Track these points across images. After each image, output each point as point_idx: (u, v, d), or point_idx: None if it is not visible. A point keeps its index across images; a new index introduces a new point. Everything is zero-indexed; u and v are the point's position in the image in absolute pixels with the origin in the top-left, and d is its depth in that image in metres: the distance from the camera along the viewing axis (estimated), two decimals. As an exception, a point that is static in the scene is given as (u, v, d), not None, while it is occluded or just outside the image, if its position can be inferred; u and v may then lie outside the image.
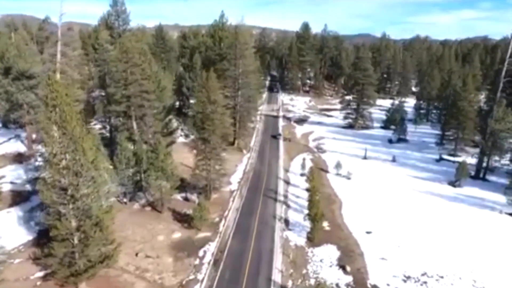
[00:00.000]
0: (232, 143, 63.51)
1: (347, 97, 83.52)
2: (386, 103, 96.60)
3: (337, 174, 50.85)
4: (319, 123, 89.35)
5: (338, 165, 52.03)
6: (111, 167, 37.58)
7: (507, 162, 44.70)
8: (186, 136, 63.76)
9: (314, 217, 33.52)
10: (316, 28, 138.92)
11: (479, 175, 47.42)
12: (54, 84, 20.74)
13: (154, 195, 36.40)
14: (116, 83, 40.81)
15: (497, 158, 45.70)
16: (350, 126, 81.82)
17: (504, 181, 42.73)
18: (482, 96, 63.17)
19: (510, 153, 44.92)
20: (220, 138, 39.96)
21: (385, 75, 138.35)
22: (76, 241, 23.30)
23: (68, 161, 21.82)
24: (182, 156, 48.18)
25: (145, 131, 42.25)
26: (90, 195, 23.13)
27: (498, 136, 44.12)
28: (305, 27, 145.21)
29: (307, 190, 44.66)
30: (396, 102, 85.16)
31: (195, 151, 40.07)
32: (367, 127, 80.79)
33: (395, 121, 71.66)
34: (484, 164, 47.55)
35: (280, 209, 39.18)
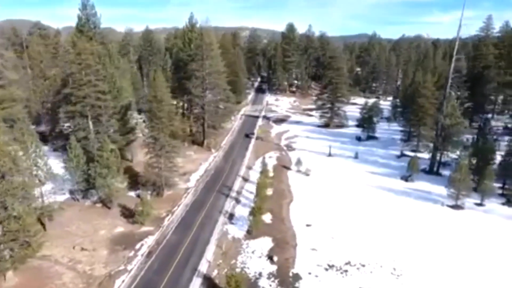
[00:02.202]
0: (202, 143, 64.88)
1: (322, 96, 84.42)
2: (370, 102, 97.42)
3: (298, 171, 51.77)
4: (297, 122, 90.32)
5: (298, 162, 52.97)
6: (62, 165, 39.03)
7: (456, 157, 45.44)
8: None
9: (253, 211, 34.54)
10: (315, 30, 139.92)
11: (433, 169, 48.16)
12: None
13: (104, 192, 37.53)
14: (72, 84, 42.15)
15: (449, 152, 46.41)
16: (326, 125, 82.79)
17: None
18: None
19: (460, 148, 45.59)
20: (170, 136, 41.06)
21: (374, 74, 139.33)
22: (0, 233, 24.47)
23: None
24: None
25: (100, 131, 43.49)
26: (10, 192, 24.07)
27: (448, 131, 44.88)
28: (290, 28, 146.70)
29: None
30: (371, 101, 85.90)
31: (146, 150, 41.13)
32: (342, 126, 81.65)
33: (367, 119, 72.46)
34: (441, 159, 48.22)
35: (229, 205, 40.19)
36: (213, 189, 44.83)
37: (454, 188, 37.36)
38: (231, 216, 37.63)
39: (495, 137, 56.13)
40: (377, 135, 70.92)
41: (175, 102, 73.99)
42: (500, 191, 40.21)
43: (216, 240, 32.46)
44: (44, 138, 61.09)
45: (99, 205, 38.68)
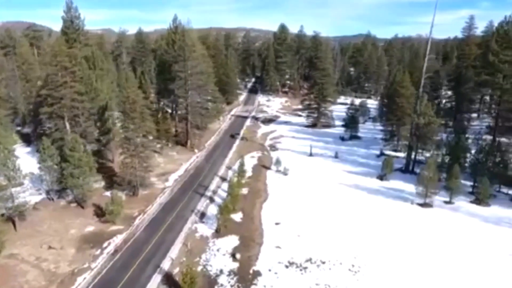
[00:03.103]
0: (186, 143, 65.43)
1: (308, 97, 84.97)
2: (357, 102, 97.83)
3: (277, 171, 52.25)
4: (286, 122, 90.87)
5: (277, 162, 53.50)
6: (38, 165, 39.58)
7: (429, 155, 45.84)
8: (144, 136, 65.64)
9: (221, 210, 35.05)
10: (315, 30, 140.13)
11: (409, 168, 48.60)
12: None
13: (78, 192, 38.07)
14: (49, 86, 42.82)
15: (423, 151, 46.81)
16: (313, 125, 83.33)
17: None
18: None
19: (433, 147, 45.98)
20: (145, 136, 41.62)
21: (366, 74, 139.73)
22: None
23: None
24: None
25: (77, 131, 44.08)
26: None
27: (422, 130, 45.32)
28: (282, 28, 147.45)
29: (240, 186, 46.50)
30: (358, 100, 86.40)
31: (120, 150, 41.64)
32: (329, 126, 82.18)
33: (350, 119, 72.92)
34: (415, 158, 48.63)
35: (202, 204, 40.70)
36: (189, 188, 45.36)
37: (423, 186, 37.76)
38: (202, 215, 38.15)
39: (477, 136, 56.42)
40: (360, 134, 71.39)
41: (161, 103, 75.16)
42: (471, 190, 40.64)
43: (183, 239, 32.99)
44: (28, 139, 61.97)
45: (73, 204, 39.23)
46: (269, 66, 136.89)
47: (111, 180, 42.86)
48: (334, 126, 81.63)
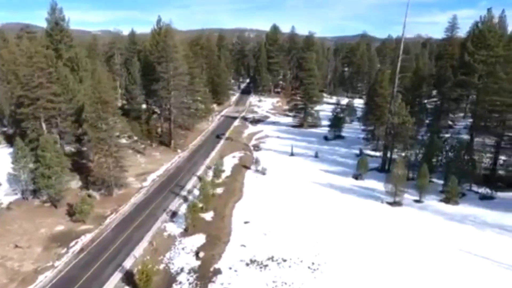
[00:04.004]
0: (169, 143, 65.81)
1: (295, 97, 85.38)
2: (344, 102, 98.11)
3: (256, 171, 52.58)
4: (274, 123, 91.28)
5: (256, 162, 53.92)
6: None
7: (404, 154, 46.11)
8: (129, 137, 66.14)
9: (189, 209, 35.41)
10: (312, 30, 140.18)
11: (384, 167, 48.87)
12: None
13: (52, 192, 38.44)
14: (24, 87, 43.24)
15: (399, 151, 47.07)
16: (300, 125, 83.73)
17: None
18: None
19: (408, 146, 46.24)
20: (130, 137, 42.00)
21: (359, 75, 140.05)
22: None
23: None
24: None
25: (54, 132, 44.56)
26: None
27: (397, 129, 45.61)
28: (274, 29, 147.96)
29: (216, 185, 46.89)
30: (344, 101, 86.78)
31: (95, 150, 42.03)
32: (315, 126, 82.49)
33: (334, 119, 73.28)
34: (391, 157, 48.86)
35: (175, 203, 41.06)
36: (165, 188, 45.74)
37: (392, 185, 38.05)
38: (174, 214, 38.52)
39: (456, 135, 56.61)
40: (345, 134, 71.70)
41: (150, 105, 75.57)
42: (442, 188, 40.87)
43: (150, 238, 33.35)
44: (11, 140, 62.41)
45: (47, 204, 39.63)
46: (261, 67, 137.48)
47: (88, 180, 43.28)
48: (320, 126, 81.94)
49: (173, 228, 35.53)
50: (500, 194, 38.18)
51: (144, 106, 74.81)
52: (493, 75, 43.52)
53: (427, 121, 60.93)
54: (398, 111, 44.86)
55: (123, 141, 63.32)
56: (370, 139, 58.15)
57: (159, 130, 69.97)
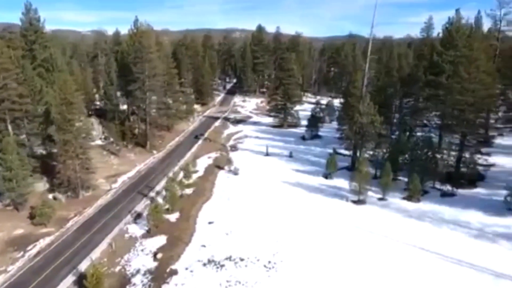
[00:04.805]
0: (145, 144, 65.46)
1: (274, 97, 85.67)
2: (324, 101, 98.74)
3: (229, 171, 52.63)
4: (255, 123, 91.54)
5: (229, 162, 54.00)
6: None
7: (371, 153, 46.70)
8: (105, 138, 65.65)
9: (152, 210, 35.30)
10: (308, 30, 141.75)
11: (354, 166, 49.27)
12: None
13: (12, 195, 37.94)
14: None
15: (367, 150, 47.62)
16: (280, 125, 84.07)
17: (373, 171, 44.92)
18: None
19: (375, 145, 46.82)
20: (83, 138, 41.68)
21: (344, 75, 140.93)
22: None
23: None
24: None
25: (19, 134, 44.00)
26: None
27: (364, 128, 46.09)
28: (259, 29, 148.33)
29: (186, 186, 46.87)
30: (324, 100, 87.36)
31: (60, 152, 41.55)
32: (295, 126, 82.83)
33: (311, 119, 73.68)
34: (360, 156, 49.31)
35: (141, 205, 40.90)
36: (134, 190, 45.53)
37: (356, 183, 38.45)
38: (138, 216, 38.35)
39: (426, 134, 57.30)
40: (322, 134, 72.16)
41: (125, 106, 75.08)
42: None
43: (110, 240, 33.16)
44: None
45: (10, 208, 39.08)
46: (246, 67, 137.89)
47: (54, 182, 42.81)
48: (300, 126, 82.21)
49: (136, 230, 35.39)
50: (461, 191, 38.81)
51: (125, 107, 74.62)
52: (456, 74, 44.24)
53: (394, 120, 61.39)
54: (367, 110, 45.33)
55: (99, 142, 63.31)
56: (343, 138, 58.58)
57: (136, 131, 69.61)
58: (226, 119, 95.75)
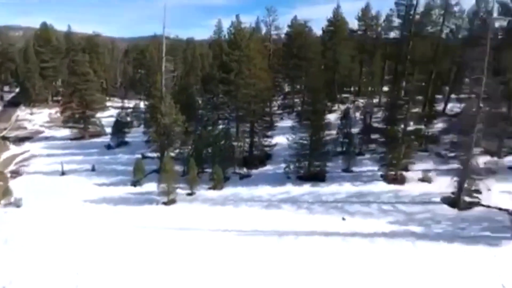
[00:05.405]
0: None
1: (69, 105, 74.24)
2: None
3: (7, 204, 41.00)
4: (47, 138, 76.62)
5: (6, 192, 42.24)
6: None
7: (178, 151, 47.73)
8: None
9: None
10: (108, 31, 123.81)
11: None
12: None
13: None
14: None
15: (174, 149, 48.08)
16: (81, 137, 73.21)
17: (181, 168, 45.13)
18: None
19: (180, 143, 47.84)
20: None
21: (150, 77, 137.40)
22: None
23: None
24: None
25: None
26: None
27: (169, 128, 45.83)
28: (45, 27, 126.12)
29: None
30: (131, 104, 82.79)
31: None
32: (99, 135, 74.18)
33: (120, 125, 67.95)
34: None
35: None
36: None
37: (165, 185, 37.53)
38: None
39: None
40: (130, 140, 67.65)
41: None
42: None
43: None
44: None
45: None
46: (31, 73, 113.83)
47: None
48: (106, 134, 74.30)
49: None
50: (254, 171, 44.55)
51: None
52: (241, 72, 50.43)
53: (200, 117, 64.68)
54: (169, 111, 44.98)
55: None
56: (150, 141, 56.70)
57: None
58: (5, 138, 75.66)
